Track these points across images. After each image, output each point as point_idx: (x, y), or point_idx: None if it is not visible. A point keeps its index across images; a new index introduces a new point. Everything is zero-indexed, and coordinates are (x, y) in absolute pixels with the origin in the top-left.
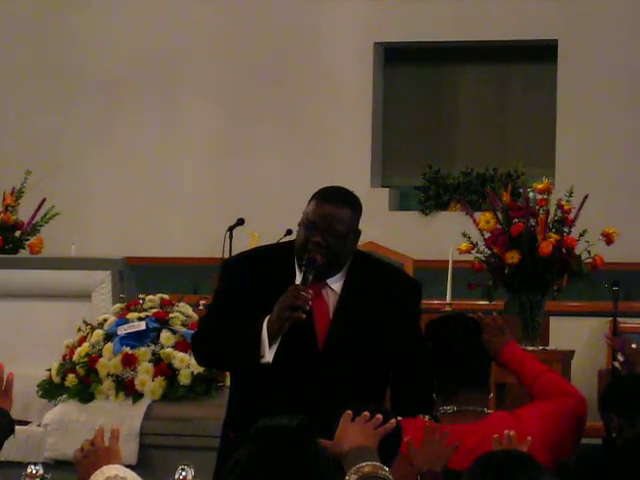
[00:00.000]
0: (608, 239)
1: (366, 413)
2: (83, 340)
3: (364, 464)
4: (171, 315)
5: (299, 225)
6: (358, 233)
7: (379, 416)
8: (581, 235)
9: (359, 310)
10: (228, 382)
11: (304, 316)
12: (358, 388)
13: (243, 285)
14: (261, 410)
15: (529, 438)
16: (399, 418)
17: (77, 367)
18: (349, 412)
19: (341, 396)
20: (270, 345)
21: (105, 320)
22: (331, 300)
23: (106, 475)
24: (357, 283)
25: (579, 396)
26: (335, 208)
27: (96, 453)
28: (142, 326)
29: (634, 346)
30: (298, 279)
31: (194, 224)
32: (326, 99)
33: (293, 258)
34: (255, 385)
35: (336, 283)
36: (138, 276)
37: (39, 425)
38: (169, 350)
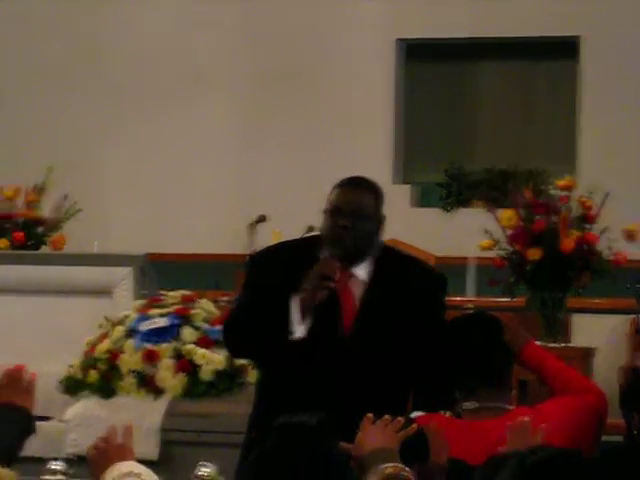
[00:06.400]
0: (629, 236)
1: (387, 416)
2: (105, 336)
3: (386, 465)
4: (192, 311)
5: (324, 213)
6: (382, 219)
7: (400, 419)
8: (602, 232)
9: (385, 299)
10: (249, 379)
11: (333, 285)
12: (383, 377)
13: (270, 277)
14: (288, 399)
15: (542, 425)
16: (421, 413)
17: (99, 363)
18: (370, 415)
19: (367, 385)
20: (301, 321)
21: (127, 316)
22: (357, 289)
23: (120, 472)
24: (383, 273)
25: (599, 392)
26: (359, 192)
27: (109, 450)
28: (163, 322)
29: None
30: None
31: (216, 220)
32: (347, 96)
33: (319, 250)
34: (282, 373)
35: (362, 272)
36: (160, 272)
37: (61, 421)
38: (190, 346)
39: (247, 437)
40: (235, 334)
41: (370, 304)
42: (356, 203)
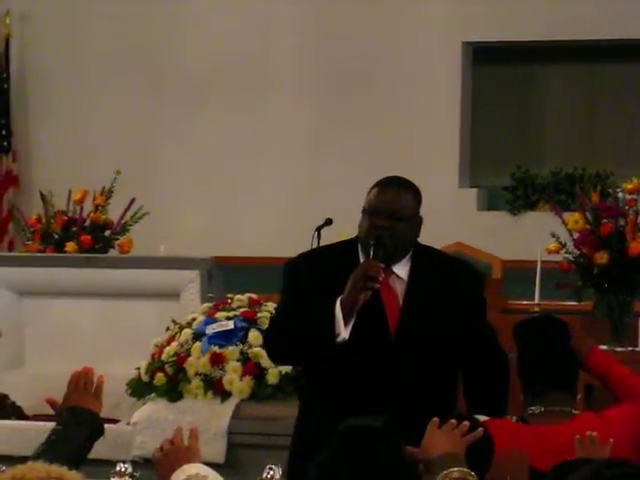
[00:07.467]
0: None
1: (453, 420)
2: (172, 339)
3: (452, 470)
4: (259, 314)
5: (362, 213)
6: (420, 219)
7: (466, 423)
8: None
9: (427, 295)
10: None
11: (378, 286)
12: (432, 376)
13: (307, 284)
14: (337, 402)
15: (611, 440)
16: (485, 418)
17: (166, 366)
18: (436, 419)
19: (416, 384)
20: (346, 323)
21: (194, 319)
22: (399, 287)
23: (187, 474)
24: (422, 270)
25: None
26: (396, 192)
27: (176, 452)
28: (230, 325)
29: None
30: None
31: (282, 224)
32: (414, 99)
33: (357, 253)
34: (329, 377)
35: (402, 270)
36: (226, 276)
37: (128, 423)
38: (257, 349)
39: (293, 442)
40: (277, 340)
41: (413, 302)
42: (392, 203)
